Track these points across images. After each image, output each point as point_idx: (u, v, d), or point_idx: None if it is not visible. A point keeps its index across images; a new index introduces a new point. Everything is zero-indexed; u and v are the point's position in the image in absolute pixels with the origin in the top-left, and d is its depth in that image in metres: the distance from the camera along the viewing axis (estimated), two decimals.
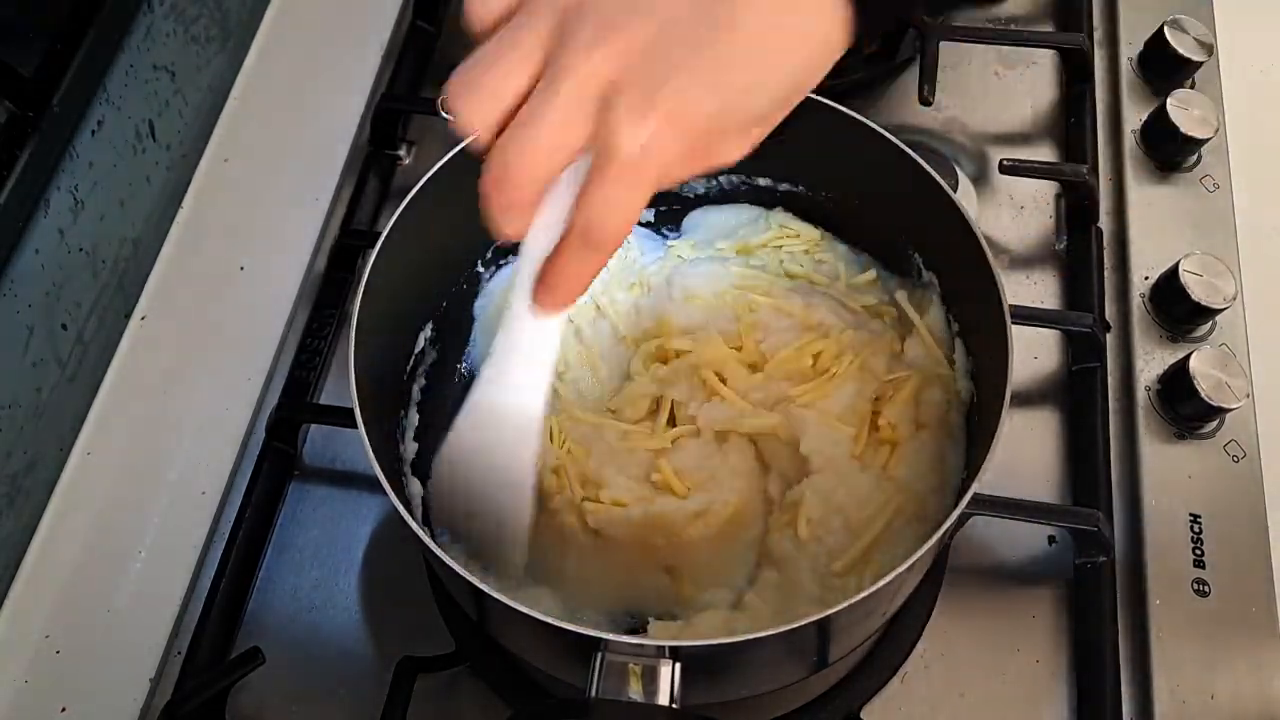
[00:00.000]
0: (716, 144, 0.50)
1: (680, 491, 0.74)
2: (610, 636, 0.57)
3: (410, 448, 0.79)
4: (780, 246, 0.85)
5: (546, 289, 0.53)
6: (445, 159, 0.73)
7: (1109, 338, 0.87)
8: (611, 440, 0.78)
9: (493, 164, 0.49)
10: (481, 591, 0.59)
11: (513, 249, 0.86)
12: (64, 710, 0.76)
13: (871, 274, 0.83)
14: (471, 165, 0.74)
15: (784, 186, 0.85)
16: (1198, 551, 0.78)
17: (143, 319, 0.91)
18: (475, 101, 0.49)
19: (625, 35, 0.47)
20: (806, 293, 0.82)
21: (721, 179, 0.86)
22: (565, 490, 0.76)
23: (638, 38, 0.47)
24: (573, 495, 0.75)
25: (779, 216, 0.86)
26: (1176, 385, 0.82)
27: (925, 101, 0.94)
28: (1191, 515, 0.80)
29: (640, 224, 0.89)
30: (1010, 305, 0.66)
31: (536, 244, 0.53)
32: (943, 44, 0.95)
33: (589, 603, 0.75)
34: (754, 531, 0.76)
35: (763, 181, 0.85)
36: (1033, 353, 0.89)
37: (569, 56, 0.47)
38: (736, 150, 0.51)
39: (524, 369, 0.59)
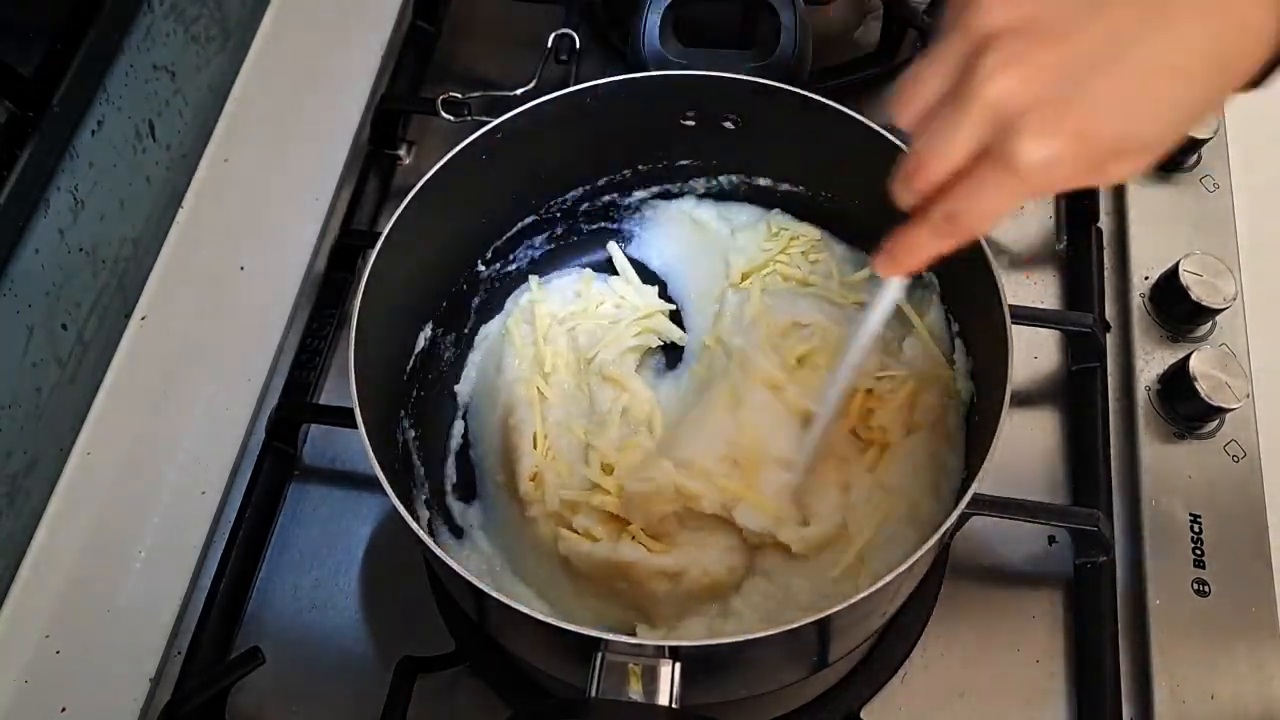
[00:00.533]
0: (1112, 163, 0.49)
1: (651, 549, 0.72)
2: (610, 636, 0.57)
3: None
4: (779, 264, 0.85)
5: (888, 254, 0.56)
6: (445, 159, 0.73)
7: (1109, 338, 0.87)
8: (593, 468, 0.76)
9: (908, 162, 0.52)
10: (481, 591, 0.59)
11: (510, 249, 0.86)
12: (64, 710, 0.76)
13: (867, 271, 0.83)
14: (471, 166, 0.75)
15: (784, 187, 0.86)
16: (1198, 551, 0.78)
17: (143, 319, 0.91)
18: (906, 106, 0.53)
19: (1033, 57, 0.47)
20: (792, 296, 0.82)
21: (721, 179, 0.87)
22: (541, 503, 0.76)
23: (1043, 60, 0.47)
24: (546, 508, 0.75)
25: (778, 218, 0.86)
26: (1176, 385, 0.82)
27: None
28: (1191, 515, 0.80)
29: None
30: (1010, 305, 0.66)
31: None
32: None
33: (568, 614, 0.74)
34: (730, 588, 0.73)
35: (762, 181, 0.86)
36: (1033, 353, 0.89)
37: (974, 78, 0.48)
38: (1131, 169, 0.50)
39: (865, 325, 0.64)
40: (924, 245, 0.54)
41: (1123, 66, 0.47)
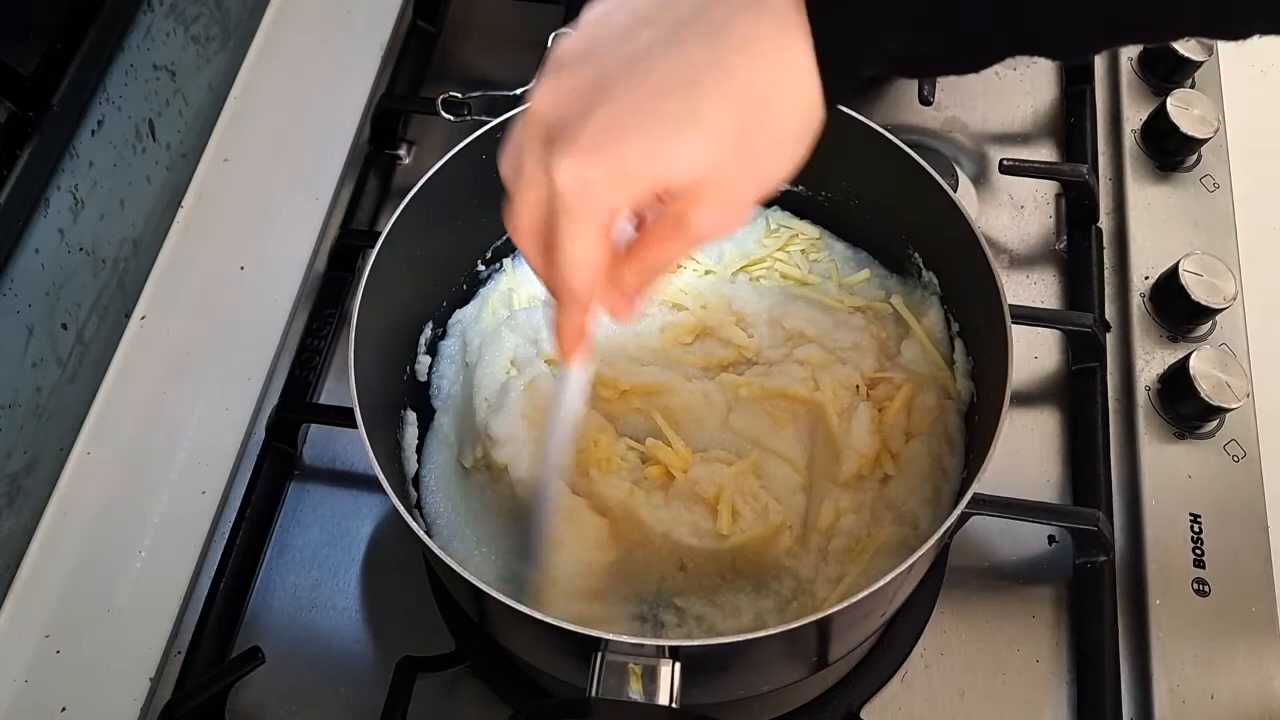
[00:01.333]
0: (683, 211, 0.47)
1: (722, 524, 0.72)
2: (610, 636, 0.57)
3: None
4: (779, 260, 0.84)
5: (557, 346, 0.55)
6: (445, 159, 0.73)
7: (1109, 338, 0.87)
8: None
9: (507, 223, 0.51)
10: (481, 591, 0.59)
11: (510, 249, 0.86)
12: (64, 710, 0.76)
13: (866, 273, 0.83)
14: (471, 165, 0.75)
15: (783, 186, 0.85)
16: (1198, 551, 0.78)
17: (143, 319, 0.91)
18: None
19: (569, 79, 0.47)
20: (784, 300, 0.82)
21: None
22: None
23: (577, 81, 0.47)
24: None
25: (777, 215, 0.86)
26: (1176, 385, 0.82)
27: (925, 101, 0.94)
28: (1191, 515, 0.80)
29: None
30: (1010, 305, 0.66)
31: None
32: None
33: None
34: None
35: None
36: (1033, 353, 0.89)
37: (531, 96, 0.48)
38: (706, 219, 0.48)
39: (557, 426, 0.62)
40: (563, 323, 0.53)
41: (638, 78, 0.45)
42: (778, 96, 0.46)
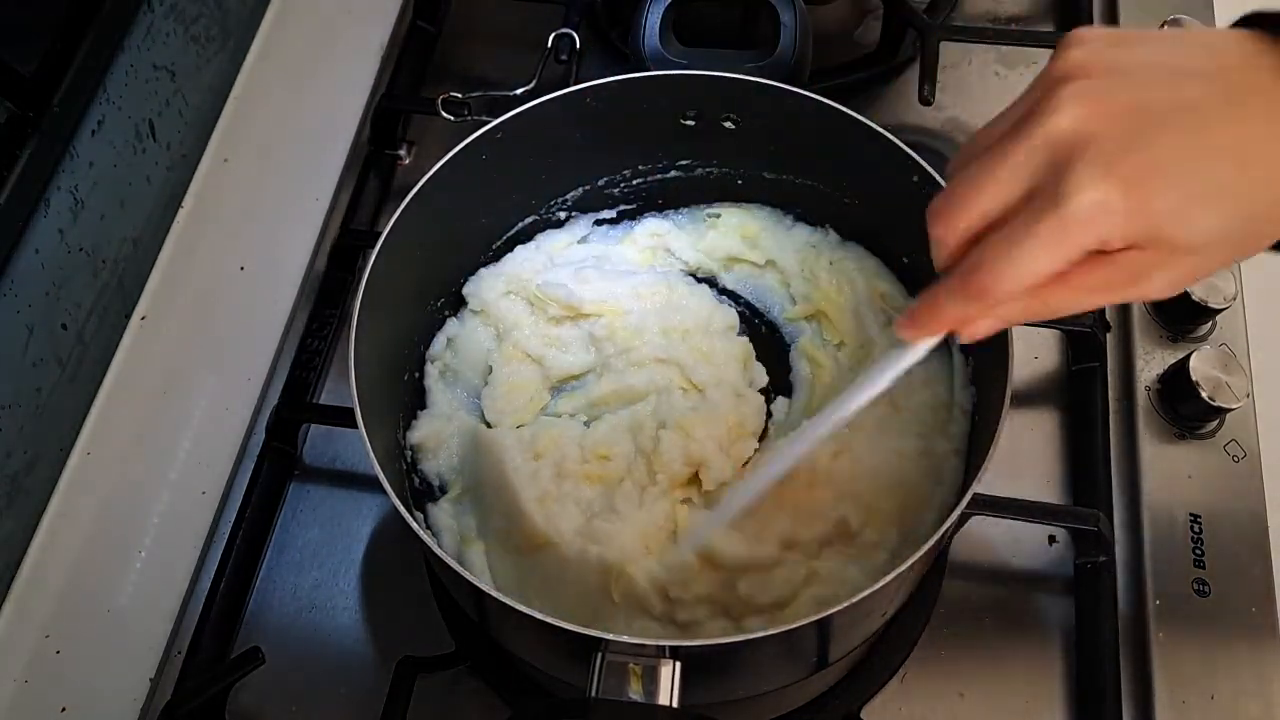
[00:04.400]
0: (1154, 256, 0.46)
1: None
2: (610, 636, 0.57)
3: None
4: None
5: (910, 315, 0.52)
6: (445, 159, 0.73)
7: (1109, 338, 0.87)
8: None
9: (943, 194, 0.49)
10: (481, 591, 0.59)
11: (508, 248, 0.86)
12: (64, 710, 0.76)
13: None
14: (471, 166, 0.75)
15: (782, 185, 0.86)
16: (1198, 551, 0.78)
17: (143, 319, 0.91)
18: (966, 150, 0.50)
19: (1107, 98, 0.46)
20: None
21: (709, 169, 0.86)
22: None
23: (1117, 103, 0.45)
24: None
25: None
26: (1176, 385, 0.82)
27: (925, 101, 0.94)
28: (1191, 515, 0.80)
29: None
30: None
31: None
32: (943, 44, 0.95)
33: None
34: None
35: (768, 175, 0.85)
36: (1033, 353, 0.89)
37: (1044, 107, 0.46)
38: (1167, 279, 0.47)
39: (865, 384, 0.59)
40: (942, 308, 0.50)
41: (1191, 132, 0.45)
42: None
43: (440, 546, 0.62)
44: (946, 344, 0.78)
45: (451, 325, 0.84)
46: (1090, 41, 0.48)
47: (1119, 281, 0.47)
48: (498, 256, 0.86)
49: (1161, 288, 0.47)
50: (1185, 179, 0.45)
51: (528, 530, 0.73)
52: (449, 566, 0.60)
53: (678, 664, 0.57)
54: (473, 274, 0.84)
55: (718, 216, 0.87)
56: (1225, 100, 0.45)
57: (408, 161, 1.03)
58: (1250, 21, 0.48)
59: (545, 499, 0.74)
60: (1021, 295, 0.47)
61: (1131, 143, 0.45)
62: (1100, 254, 0.46)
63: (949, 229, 0.49)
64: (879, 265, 0.84)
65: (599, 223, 0.88)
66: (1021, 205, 0.46)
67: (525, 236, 0.87)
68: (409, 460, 0.79)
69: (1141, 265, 0.46)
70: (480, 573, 0.74)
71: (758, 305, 0.87)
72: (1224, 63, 0.46)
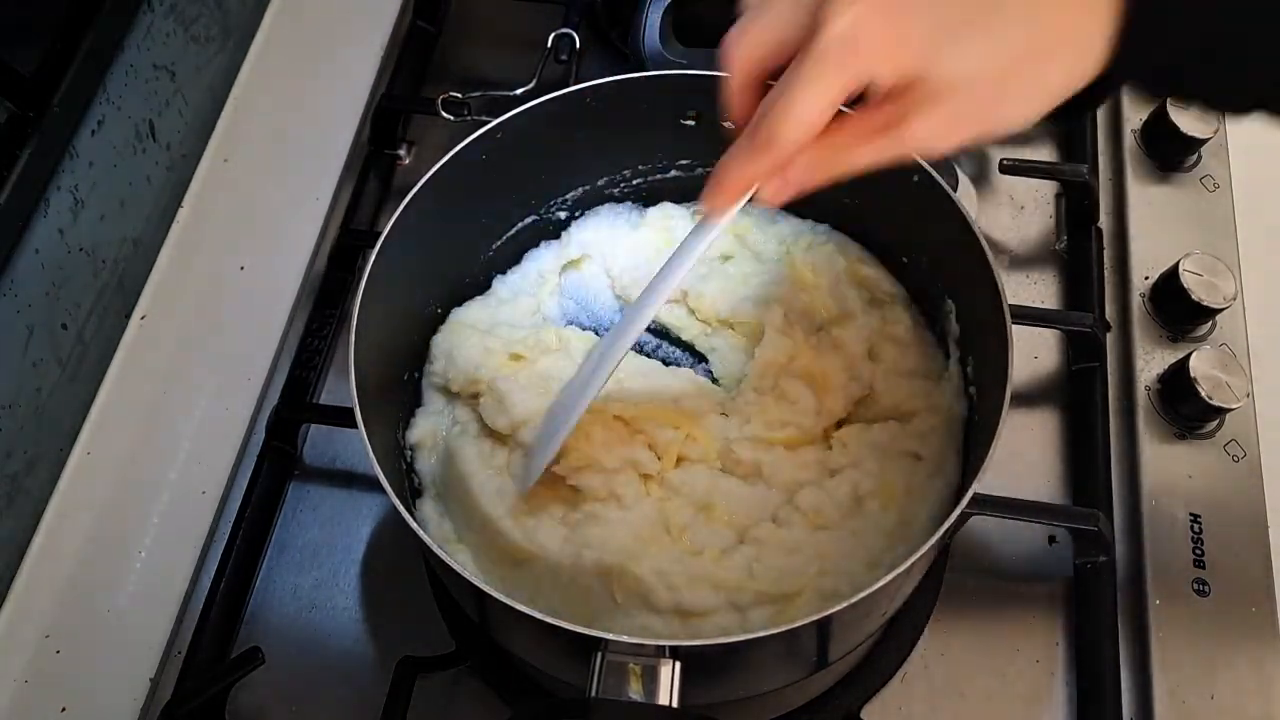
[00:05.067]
0: (910, 104, 0.46)
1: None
2: (610, 636, 0.57)
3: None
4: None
5: (709, 187, 0.52)
6: (445, 159, 0.73)
7: (1109, 338, 0.87)
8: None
9: (729, 32, 0.50)
10: (482, 591, 0.59)
11: (511, 255, 0.86)
12: (64, 710, 0.76)
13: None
14: (471, 166, 0.75)
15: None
16: (1198, 551, 0.78)
17: (143, 319, 0.91)
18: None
19: None
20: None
21: (709, 169, 0.86)
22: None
23: None
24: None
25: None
26: (1176, 385, 0.82)
27: None
28: (1191, 515, 0.80)
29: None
30: (1010, 305, 0.66)
31: None
32: None
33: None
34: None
35: None
36: (1033, 353, 0.89)
37: None
38: (927, 124, 0.47)
39: (665, 273, 0.60)
40: (736, 169, 0.50)
41: None
42: (1063, 48, 0.46)
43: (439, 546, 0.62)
44: (945, 347, 0.78)
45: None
46: None
47: (883, 127, 0.47)
48: (499, 257, 0.86)
49: (927, 135, 0.47)
50: (940, 8, 0.45)
51: (508, 546, 0.72)
52: (449, 566, 0.60)
53: (678, 664, 0.57)
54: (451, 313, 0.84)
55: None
56: None
57: (408, 161, 1.03)
58: None
59: (518, 514, 0.74)
60: (805, 145, 0.48)
61: None
62: (866, 107, 0.47)
63: (733, 60, 0.50)
64: (862, 251, 0.83)
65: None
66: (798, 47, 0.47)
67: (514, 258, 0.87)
68: (408, 460, 0.79)
69: (902, 110, 0.47)
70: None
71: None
72: None
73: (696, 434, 0.76)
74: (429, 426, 0.80)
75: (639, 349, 0.86)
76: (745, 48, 0.49)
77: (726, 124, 0.53)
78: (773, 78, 0.50)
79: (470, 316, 0.83)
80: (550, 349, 0.82)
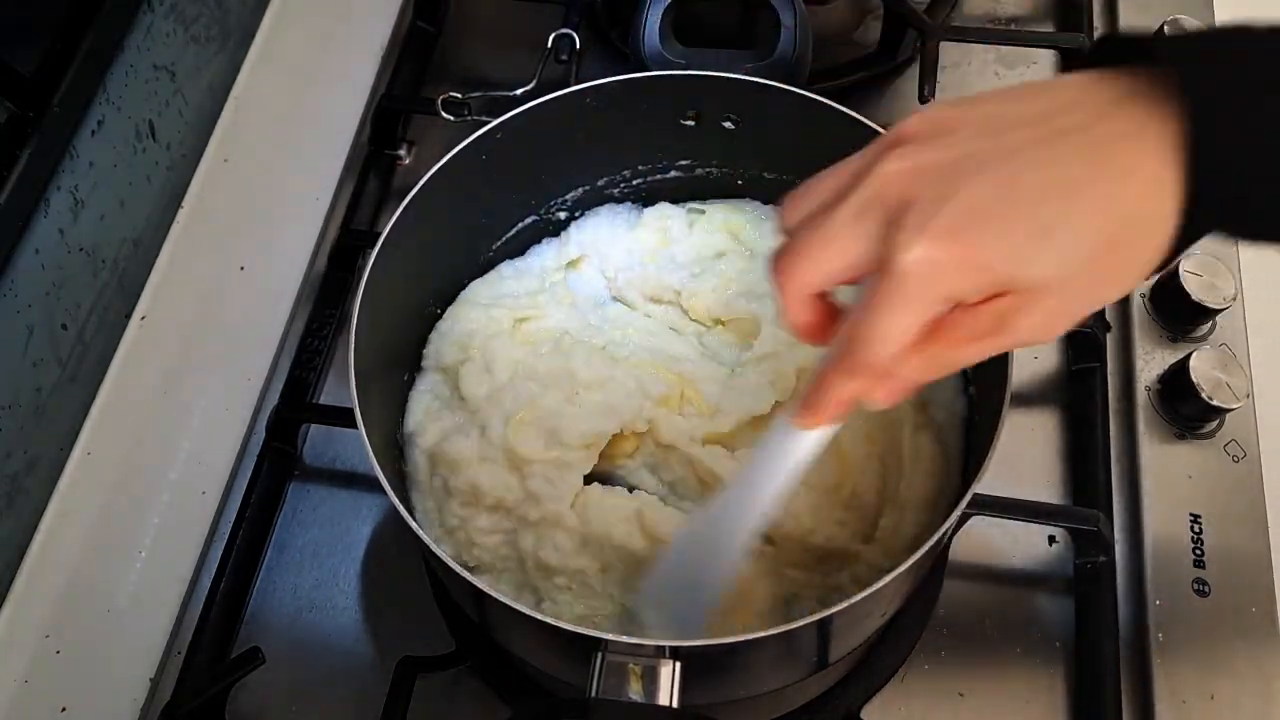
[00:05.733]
0: (1010, 301, 0.46)
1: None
2: (610, 636, 0.57)
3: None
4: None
5: (804, 404, 0.52)
6: (445, 159, 0.73)
7: (1109, 338, 0.87)
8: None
9: (781, 250, 0.51)
10: (482, 592, 0.59)
11: (509, 253, 0.86)
12: (64, 710, 0.76)
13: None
14: (471, 166, 0.75)
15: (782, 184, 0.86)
16: (1198, 551, 0.78)
17: (143, 319, 0.91)
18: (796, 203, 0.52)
19: (926, 156, 0.47)
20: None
21: (708, 169, 0.86)
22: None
23: (935, 159, 0.46)
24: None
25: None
26: (1176, 385, 0.82)
27: (925, 101, 0.94)
28: (1191, 515, 0.80)
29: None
30: None
31: None
32: (943, 44, 0.95)
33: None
34: None
35: (768, 175, 0.85)
36: (1033, 353, 0.89)
37: (868, 174, 0.48)
38: (1031, 324, 0.47)
39: (761, 478, 0.58)
40: (830, 390, 0.50)
41: (1006, 177, 0.45)
42: (1144, 227, 0.46)
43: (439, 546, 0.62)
44: None
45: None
46: (931, 108, 0.49)
47: (986, 330, 0.48)
48: (499, 257, 0.86)
49: (1032, 331, 0.48)
50: (1008, 222, 0.45)
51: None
52: (449, 566, 0.60)
53: (678, 664, 0.57)
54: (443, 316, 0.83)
55: (701, 213, 0.87)
56: (1041, 142, 0.46)
57: (408, 161, 1.03)
58: (1100, 48, 0.49)
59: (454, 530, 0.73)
60: (903, 358, 0.48)
61: (943, 197, 0.45)
62: (968, 306, 0.47)
63: (791, 286, 0.50)
64: None
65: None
66: (869, 268, 0.48)
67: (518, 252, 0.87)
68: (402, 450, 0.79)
69: (1002, 312, 0.47)
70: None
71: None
72: (1053, 106, 0.47)
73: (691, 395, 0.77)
74: (421, 409, 0.79)
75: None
76: (807, 276, 0.50)
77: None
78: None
79: (474, 295, 0.83)
80: (562, 302, 0.82)
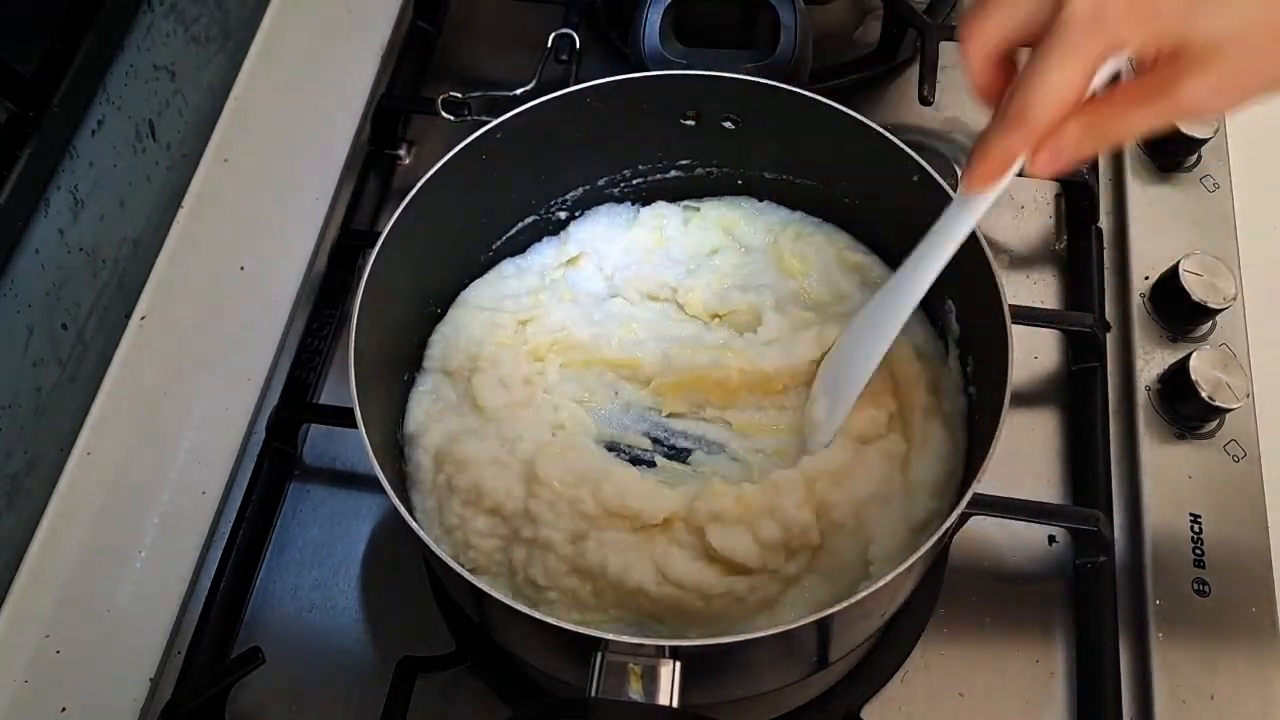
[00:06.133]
0: (1180, 68, 0.45)
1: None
2: (610, 636, 0.57)
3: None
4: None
5: (969, 167, 0.53)
6: (445, 159, 0.73)
7: (1109, 338, 0.87)
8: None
9: (966, 13, 0.51)
10: (482, 592, 0.59)
11: (508, 251, 0.86)
12: (64, 710, 0.76)
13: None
14: (471, 166, 0.75)
15: (783, 184, 0.86)
16: (1198, 551, 0.78)
17: (143, 319, 0.91)
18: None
19: None
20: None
21: (708, 169, 0.86)
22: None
23: None
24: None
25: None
26: (1176, 385, 0.82)
27: (925, 101, 0.94)
28: (1191, 515, 0.80)
29: None
30: (1010, 305, 0.66)
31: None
32: (943, 44, 0.95)
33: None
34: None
35: (768, 175, 0.85)
36: (1033, 353, 0.89)
37: None
38: (1199, 88, 0.46)
39: (930, 251, 0.61)
40: (995, 147, 0.50)
41: None
42: None
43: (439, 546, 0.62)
44: (945, 345, 0.78)
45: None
46: None
47: (1154, 91, 0.47)
48: (499, 257, 0.86)
49: (1200, 97, 0.47)
50: None
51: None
52: (449, 566, 0.60)
53: (678, 664, 0.57)
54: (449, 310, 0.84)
55: (696, 210, 0.87)
56: None
57: (408, 161, 1.03)
58: None
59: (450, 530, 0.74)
60: (1064, 116, 0.48)
61: None
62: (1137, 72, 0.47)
63: (974, 45, 0.50)
64: (852, 240, 0.84)
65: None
66: (1047, 23, 0.47)
67: (519, 248, 0.87)
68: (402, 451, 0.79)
69: (1172, 72, 0.46)
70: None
71: None
72: None
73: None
74: (423, 410, 0.79)
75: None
76: (987, 31, 0.50)
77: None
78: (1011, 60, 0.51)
79: (475, 297, 0.83)
80: (563, 299, 0.83)
